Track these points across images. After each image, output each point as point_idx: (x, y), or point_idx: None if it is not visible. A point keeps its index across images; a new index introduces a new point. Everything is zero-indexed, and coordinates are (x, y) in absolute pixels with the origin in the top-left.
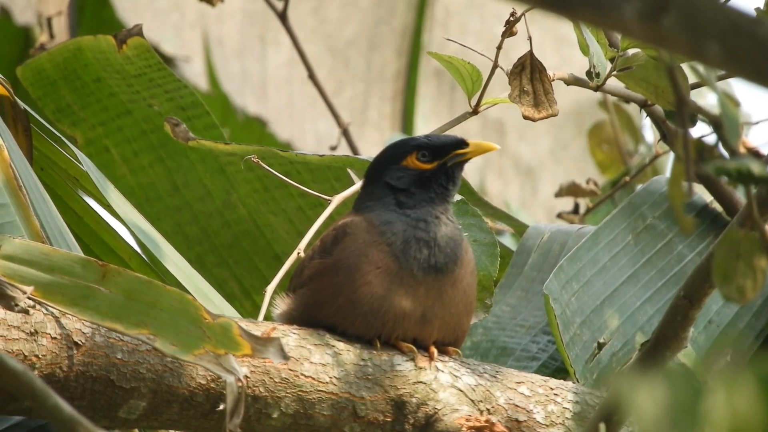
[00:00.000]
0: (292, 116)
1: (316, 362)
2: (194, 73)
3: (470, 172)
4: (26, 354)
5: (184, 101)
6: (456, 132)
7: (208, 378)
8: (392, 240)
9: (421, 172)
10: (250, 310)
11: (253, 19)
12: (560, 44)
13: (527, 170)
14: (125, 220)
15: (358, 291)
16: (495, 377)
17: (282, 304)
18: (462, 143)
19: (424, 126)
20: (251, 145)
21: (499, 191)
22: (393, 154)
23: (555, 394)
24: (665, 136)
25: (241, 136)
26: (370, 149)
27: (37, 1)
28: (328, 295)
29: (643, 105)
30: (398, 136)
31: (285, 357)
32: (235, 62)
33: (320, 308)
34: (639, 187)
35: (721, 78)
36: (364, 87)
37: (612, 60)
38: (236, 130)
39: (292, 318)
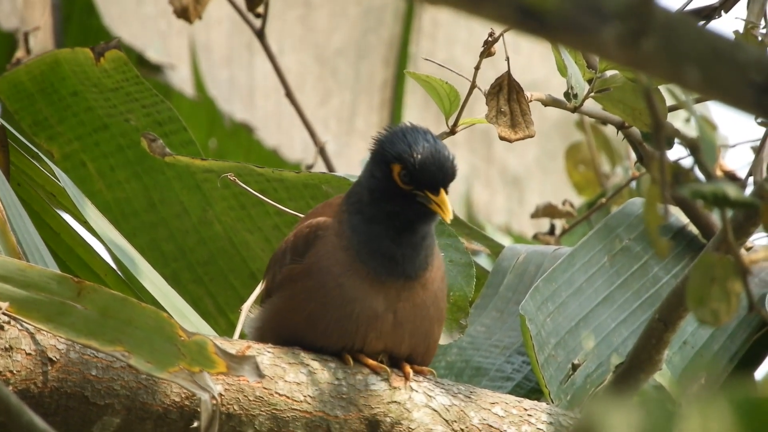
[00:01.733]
0: (280, 124)
1: (291, 381)
2: (181, 80)
3: (456, 182)
4: (0, 370)
5: (162, 116)
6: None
7: (183, 395)
8: (358, 249)
9: (397, 189)
10: (224, 328)
11: (240, 27)
12: (549, 55)
13: (514, 180)
14: (102, 236)
15: (329, 294)
16: (469, 397)
17: (253, 317)
18: (437, 186)
19: None
20: (228, 161)
21: (485, 201)
22: (389, 151)
23: (529, 415)
24: (642, 158)
25: (227, 142)
26: (357, 158)
27: (22, 7)
28: (301, 300)
29: (621, 127)
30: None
31: (260, 375)
32: (222, 69)
33: (293, 314)
34: (615, 209)
35: (698, 101)
36: (351, 96)
37: (590, 81)
38: (223, 137)
39: (263, 329)
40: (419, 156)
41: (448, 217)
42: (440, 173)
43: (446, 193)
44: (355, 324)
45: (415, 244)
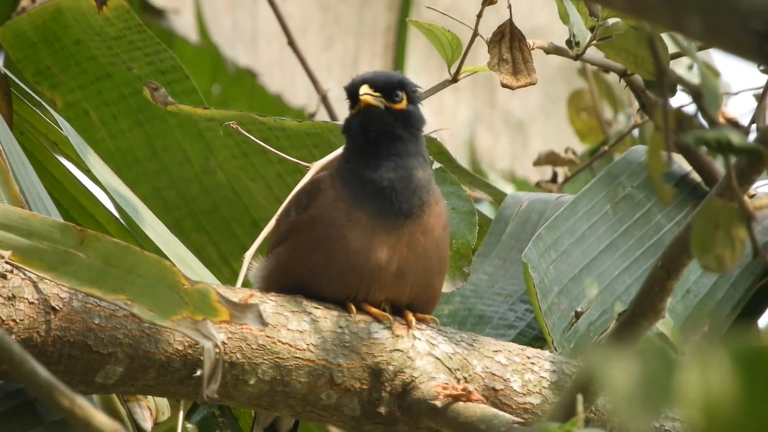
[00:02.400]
0: (283, 69)
1: (294, 329)
2: (184, 26)
3: (459, 127)
4: (3, 319)
5: (164, 65)
6: (448, 88)
7: (186, 344)
8: (350, 193)
9: (350, 117)
10: (228, 277)
11: None
12: (551, 1)
13: (517, 125)
14: (104, 185)
15: (333, 246)
16: (472, 345)
17: (258, 266)
18: (358, 88)
19: (415, 80)
20: (230, 110)
21: (489, 146)
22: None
23: (532, 363)
24: (644, 106)
25: (231, 89)
26: None
27: None
28: (305, 252)
29: (623, 74)
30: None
31: (263, 323)
32: (225, 15)
33: (297, 265)
34: (618, 156)
35: (700, 48)
36: (354, 42)
37: (592, 29)
38: (226, 83)
39: (268, 278)
40: (354, 80)
41: (367, 99)
42: (361, 80)
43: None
44: (359, 276)
45: (395, 168)
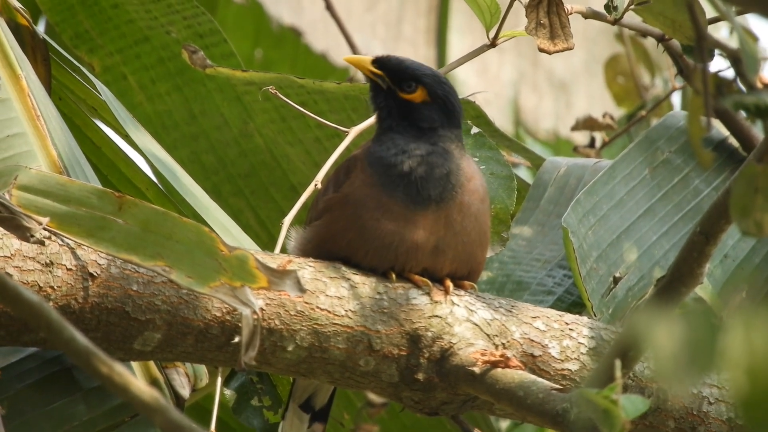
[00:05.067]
0: (328, 28)
1: (332, 295)
2: None
3: (503, 87)
4: (41, 285)
5: (202, 28)
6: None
7: (224, 310)
8: (378, 176)
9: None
10: (265, 241)
11: None
12: None
13: (561, 84)
14: (143, 150)
15: (366, 226)
16: (510, 312)
17: (297, 237)
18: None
19: (458, 41)
20: (269, 73)
21: (533, 105)
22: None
23: (570, 329)
24: (682, 71)
25: (273, 52)
26: None
27: None
28: (340, 228)
29: (661, 39)
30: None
31: (301, 290)
32: None
33: (333, 241)
34: (655, 121)
35: (739, 13)
36: (398, 1)
37: None
38: (269, 47)
39: (306, 250)
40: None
41: (353, 59)
42: (376, 57)
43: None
44: (395, 253)
45: (418, 154)
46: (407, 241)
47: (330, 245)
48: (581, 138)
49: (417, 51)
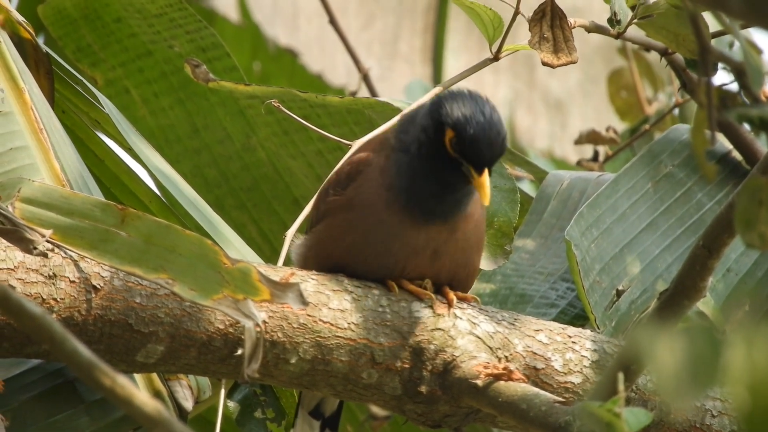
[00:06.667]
0: (324, 48)
1: (335, 308)
2: (225, 5)
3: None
4: (44, 297)
5: (205, 42)
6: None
7: (227, 323)
8: (400, 192)
9: (446, 151)
10: (268, 254)
11: None
12: None
13: (557, 104)
14: (146, 163)
15: (369, 228)
16: (513, 324)
17: (298, 243)
18: (483, 164)
19: (454, 60)
20: (271, 86)
21: (528, 126)
22: (446, 115)
23: (573, 342)
24: (685, 85)
25: (271, 67)
26: (400, 82)
27: None
28: (341, 231)
29: (664, 53)
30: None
31: (304, 302)
32: None
33: (333, 244)
34: (658, 135)
35: (742, 27)
36: (395, 20)
37: (633, 8)
38: (267, 62)
39: (307, 256)
40: (472, 131)
41: (486, 201)
42: (488, 152)
43: (489, 173)
44: (394, 259)
45: (456, 200)
46: (407, 245)
47: (331, 248)
48: (575, 156)
49: (413, 69)
